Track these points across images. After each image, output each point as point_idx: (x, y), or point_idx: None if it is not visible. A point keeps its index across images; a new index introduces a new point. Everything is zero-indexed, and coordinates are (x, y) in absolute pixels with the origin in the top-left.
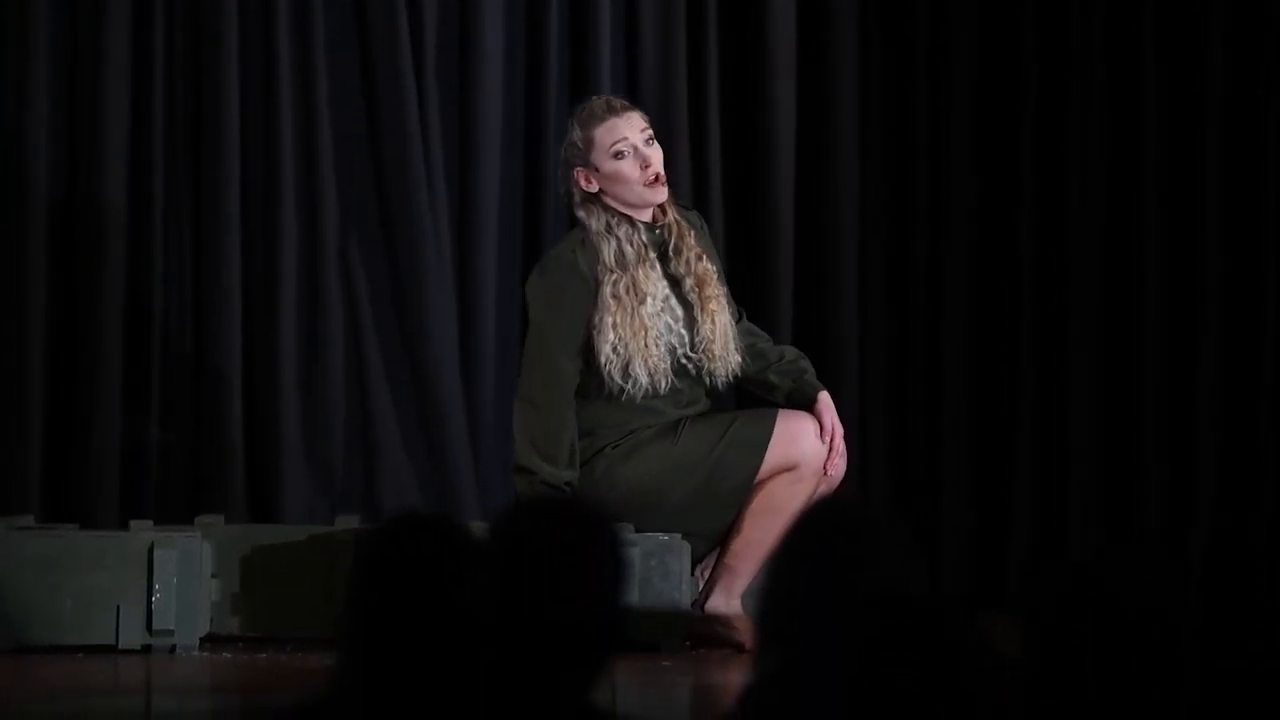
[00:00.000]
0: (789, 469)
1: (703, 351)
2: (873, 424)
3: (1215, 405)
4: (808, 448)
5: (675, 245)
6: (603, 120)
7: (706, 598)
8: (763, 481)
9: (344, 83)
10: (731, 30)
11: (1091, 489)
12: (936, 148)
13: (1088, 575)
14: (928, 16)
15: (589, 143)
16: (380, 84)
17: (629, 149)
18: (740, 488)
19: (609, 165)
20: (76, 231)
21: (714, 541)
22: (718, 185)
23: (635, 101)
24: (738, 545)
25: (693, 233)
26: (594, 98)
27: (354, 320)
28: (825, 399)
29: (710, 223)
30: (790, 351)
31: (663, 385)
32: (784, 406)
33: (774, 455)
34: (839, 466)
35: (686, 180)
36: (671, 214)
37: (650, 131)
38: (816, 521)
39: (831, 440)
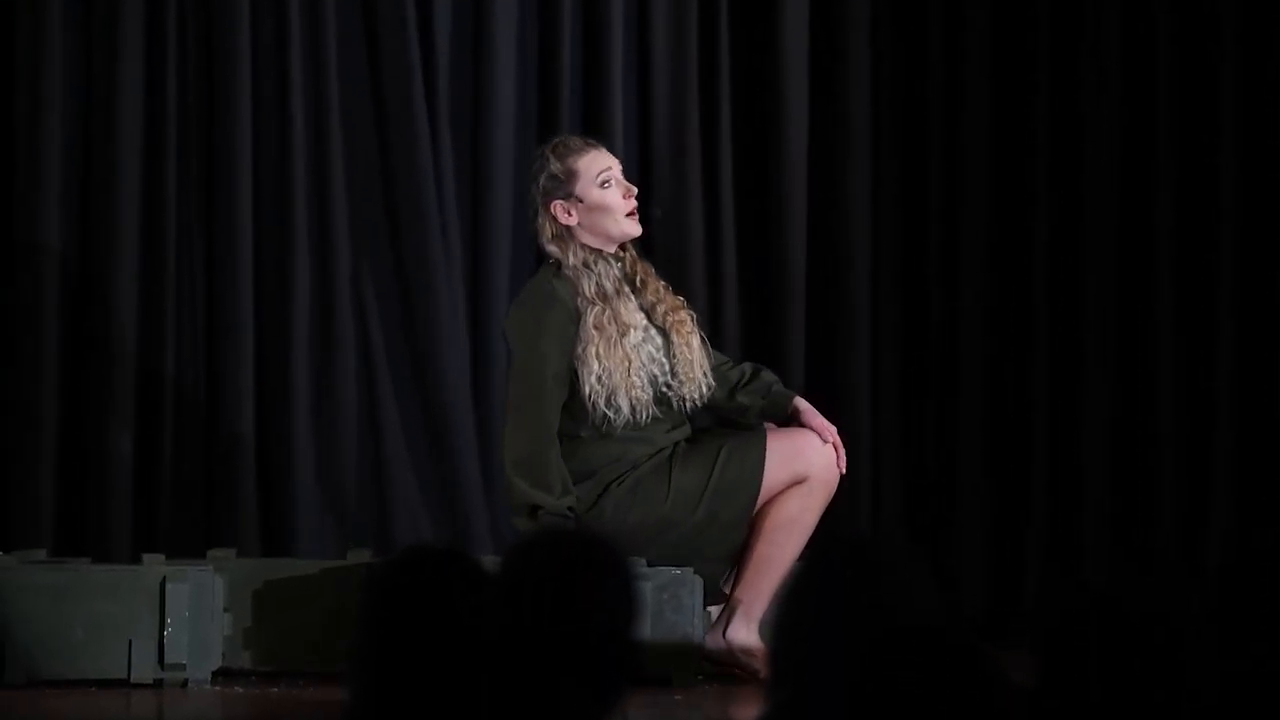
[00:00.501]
0: (798, 484)
1: (681, 376)
2: (886, 439)
3: (1230, 417)
4: (815, 459)
5: (641, 279)
6: (583, 152)
7: (727, 624)
8: (773, 499)
9: (356, 114)
10: (743, 35)
11: (1105, 503)
12: (949, 154)
13: (1100, 596)
14: (941, 20)
15: (571, 174)
16: (392, 114)
17: (613, 179)
18: (743, 510)
19: (594, 194)
20: (89, 266)
21: (730, 562)
22: (729, 191)
23: (650, 116)
24: (754, 565)
25: (651, 268)
26: (560, 136)
27: (366, 351)
28: (803, 404)
29: (721, 232)
30: (748, 367)
31: (643, 417)
32: (759, 424)
33: (778, 474)
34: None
35: (697, 189)
36: (631, 250)
37: (622, 167)
38: (829, 552)
39: (833, 440)
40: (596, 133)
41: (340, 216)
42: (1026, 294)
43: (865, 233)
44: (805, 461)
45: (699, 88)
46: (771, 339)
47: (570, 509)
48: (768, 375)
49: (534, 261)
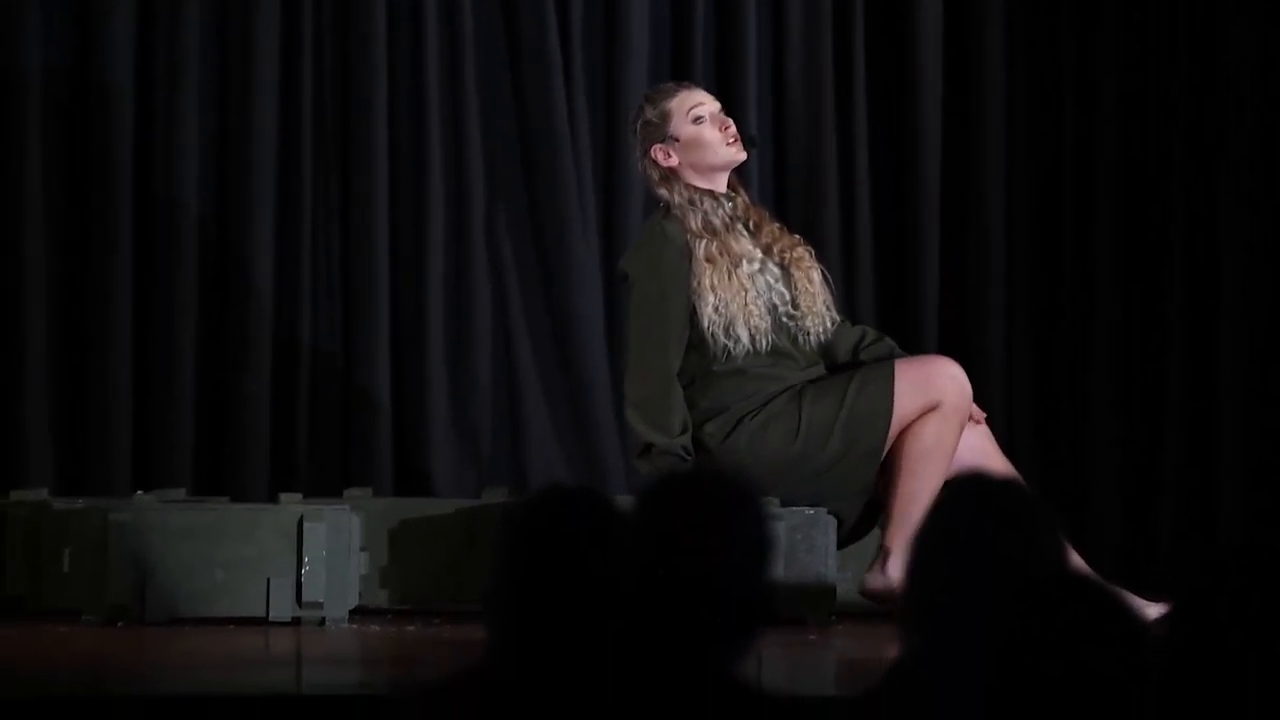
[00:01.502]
0: (931, 411)
1: (803, 307)
2: (1020, 395)
3: None
4: (946, 384)
5: (755, 222)
6: (674, 93)
7: (885, 563)
8: (909, 429)
9: (490, 59)
10: (879, 41)
11: (1239, 470)
12: (1082, 161)
13: (1236, 546)
14: (1072, 26)
15: (665, 115)
16: (526, 58)
17: (706, 114)
18: (877, 440)
19: (689, 131)
20: (227, 212)
21: (864, 496)
22: (865, 202)
23: (782, 61)
24: (901, 500)
25: (766, 212)
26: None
27: (500, 293)
28: None
29: (857, 235)
30: (869, 330)
31: (763, 345)
32: None
33: (910, 401)
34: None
35: (831, 139)
36: (744, 193)
37: (720, 105)
38: (965, 494)
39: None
40: (728, 78)
41: (474, 162)
42: (1165, 278)
43: (1000, 234)
44: (936, 388)
45: (833, 29)
46: (905, 294)
47: (685, 449)
48: (889, 339)
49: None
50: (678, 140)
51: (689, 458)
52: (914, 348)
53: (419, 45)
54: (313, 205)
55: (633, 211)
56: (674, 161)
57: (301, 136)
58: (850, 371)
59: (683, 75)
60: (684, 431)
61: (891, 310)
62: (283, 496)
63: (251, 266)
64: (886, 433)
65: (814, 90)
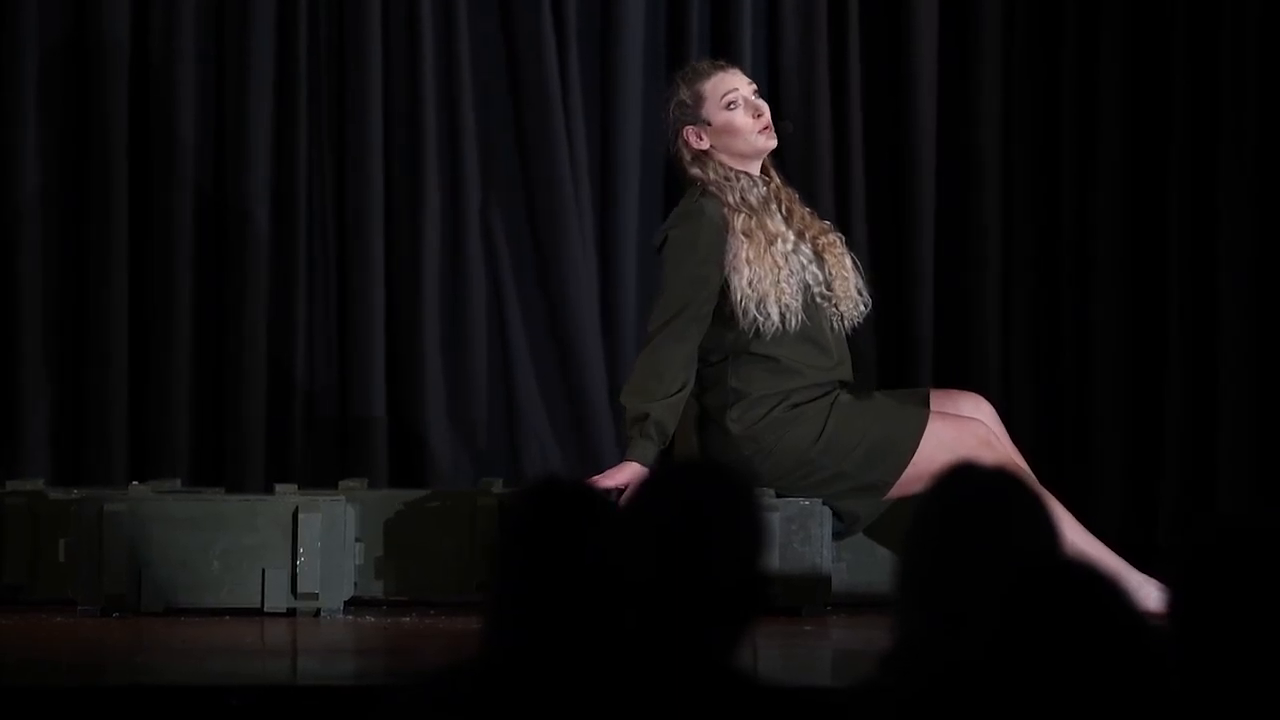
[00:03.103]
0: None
1: (838, 291)
2: (1017, 369)
3: None
4: (976, 446)
5: (787, 207)
6: (710, 75)
7: None
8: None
9: (486, 45)
10: (874, 30)
11: (1241, 445)
12: (1082, 155)
13: (1236, 529)
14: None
15: (698, 98)
16: (520, 45)
17: (740, 100)
18: (882, 480)
19: (721, 116)
20: (225, 199)
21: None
22: (857, 120)
23: (778, 42)
24: None
25: (796, 195)
26: (693, 61)
27: (495, 282)
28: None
29: (850, 158)
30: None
31: (792, 324)
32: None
33: (932, 457)
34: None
35: (828, 178)
36: (776, 178)
37: (755, 86)
38: (957, 484)
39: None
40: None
41: (469, 153)
42: (1162, 259)
43: (996, 156)
44: (965, 452)
45: (827, 11)
46: (900, 261)
47: (659, 422)
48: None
49: (664, 193)
50: (710, 125)
51: (654, 434)
52: (911, 346)
53: (413, 24)
54: (308, 196)
55: (627, 201)
56: (704, 144)
57: (296, 133)
58: (887, 398)
59: (678, 57)
60: (675, 394)
61: (891, 321)
62: (278, 487)
63: (247, 259)
64: (897, 477)
65: (807, 63)
